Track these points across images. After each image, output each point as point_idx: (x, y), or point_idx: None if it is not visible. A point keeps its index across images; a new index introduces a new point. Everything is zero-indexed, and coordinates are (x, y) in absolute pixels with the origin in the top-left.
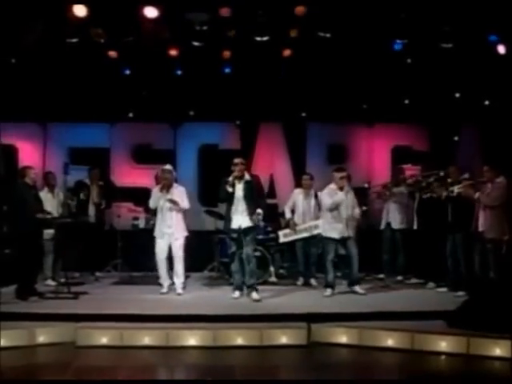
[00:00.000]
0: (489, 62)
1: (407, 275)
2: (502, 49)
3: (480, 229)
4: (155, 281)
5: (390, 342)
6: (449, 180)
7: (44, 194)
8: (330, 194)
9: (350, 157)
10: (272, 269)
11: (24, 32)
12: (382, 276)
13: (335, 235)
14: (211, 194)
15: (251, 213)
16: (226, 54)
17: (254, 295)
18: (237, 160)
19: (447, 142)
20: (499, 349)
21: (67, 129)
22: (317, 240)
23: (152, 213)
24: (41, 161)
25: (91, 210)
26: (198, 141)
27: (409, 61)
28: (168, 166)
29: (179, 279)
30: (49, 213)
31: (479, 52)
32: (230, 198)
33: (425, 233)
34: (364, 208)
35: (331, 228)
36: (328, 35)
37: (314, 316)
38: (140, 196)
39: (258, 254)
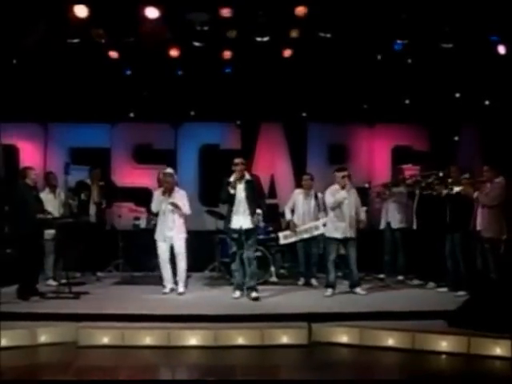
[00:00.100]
0: (489, 62)
1: (408, 275)
2: (502, 49)
3: (478, 228)
4: (156, 281)
5: (390, 342)
6: (449, 180)
7: (45, 195)
8: (333, 193)
9: (351, 157)
10: (273, 269)
11: (25, 32)
12: (382, 276)
13: (338, 235)
14: (212, 194)
15: (252, 213)
16: (227, 54)
17: (253, 294)
18: (237, 160)
19: (447, 142)
20: (499, 348)
21: (68, 129)
22: (318, 240)
23: (154, 214)
24: (42, 161)
25: (92, 210)
26: (199, 141)
27: (409, 61)
28: (169, 170)
29: (181, 277)
30: (49, 213)
31: (479, 52)
32: (231, 199)
33: (424, 233)
34: (365, 208)
35: (334, 228)
36: (328, 35)
37: (315, 316)
38: (141, 196)
39: (258, 254)
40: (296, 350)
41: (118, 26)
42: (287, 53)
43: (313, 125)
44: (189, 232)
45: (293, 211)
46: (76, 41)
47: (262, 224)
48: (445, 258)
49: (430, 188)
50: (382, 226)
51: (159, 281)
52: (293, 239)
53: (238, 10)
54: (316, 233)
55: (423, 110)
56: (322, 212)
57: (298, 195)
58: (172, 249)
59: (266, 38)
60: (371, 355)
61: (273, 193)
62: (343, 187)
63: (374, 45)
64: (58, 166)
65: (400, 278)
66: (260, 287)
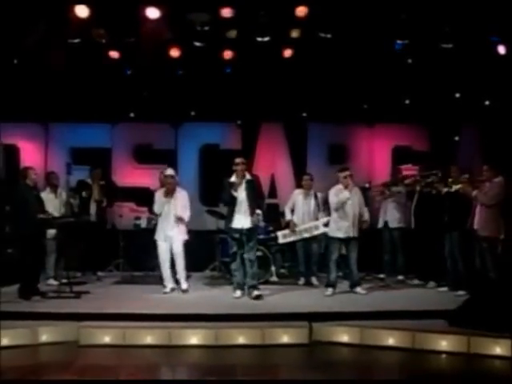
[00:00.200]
0: (489, 62)
1: (409, 275)
2: (502, 49)
3: (475, 227)
4: (157, 280)
5: (390, 341)
6: (450, 180)
7: (46, 195)
8: (336, 193)
9: (351, 157)
10: (273, 268)
11: (26, 32)
12: (382, 276)
13: (341, 235)
14: (212, 193)
15: (253, 213)
16: (227, 54)
17: (255, 292)
18: (238, 160)
19: (447, 142)
20: (499, 348)
21: (69, 129)
22: (318, 239)
23: (156, 214)
24: (42, 161)
25: (92, 209)
26: (199, 141)
27: (409, 61)
28: (170, 171)
29: (182, 275)
30: (50, 214)
31: (479, 52)
32: (233, 201)
33: (423, 232)
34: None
35: (337, 227)
36: (329, 36)
37: (316, 315)
38: (141, 196)
39: (259, 253)
40: (297, 350)
41: (118, 26)
42: (288, 53)
43: (313, 125)
44: (189, 232)
45: (292, 211)
46: (77, 41)
47: (262, 224)
48: (445, 258)
49: (429, 186)
50: (380, 225)
51: (160, 280)
52: (292, 238)
53: (238, 10)
54: (316, 232)
55: (423, 110)
56: (321, 212)
57: (298, 195)
58: (171, 248)
59: (266, 38)
60: (371, 354)
61: (273, 193)
62: (346, 187)
63: (374, 45)
64: (58, 166)
65: (400, 277)
66: (260, 287)
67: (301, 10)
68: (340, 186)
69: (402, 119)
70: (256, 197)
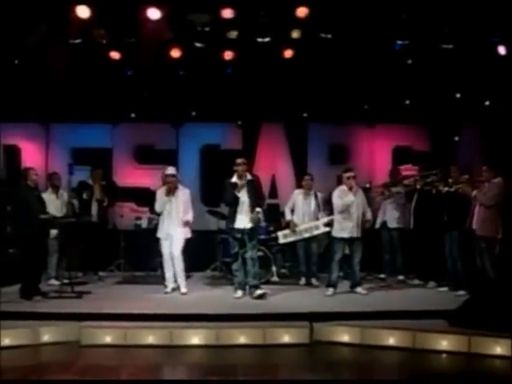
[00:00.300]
0: (489, 62)
1: (409, 275)
2: (502, 50)
3: (473, 226)
4: (158, 280)
5: (391, 341)
6: (450, 180)
7: (47, 195)
8: (341, 196)
9: (351, 157)
10: (274, 268)
11: (27, 33)
12: (383, 276)
13: (345, 235)
14: (213, 194)
15: (252, 212)
16: (228, 54)
17: (258, 291)
18: (239, 160)
19: (448, 142)
20: (500, 347)
21: (70, 129)
22: (319, 239)
23: (157, 213)
24: (43, 161)
25: (94, 209)
26: (200, 141)
27: (409, 61)
28: (170, 171)
29: (181, 278)
30: (51, 214)
31: (480, 53)
32: (236, 202)
33: (422, 232)
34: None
35: (341, 228)
36: (329, 36)
37: (316, 315)
38: (142, 196)
39: (260, 253)
40: (297, 349)
41: (119, 26)
42: (288, 53)
43: (313, 125)
44: (191, 232)
45: (293, 211)
46: (78, 41)
47: (263, 224)
48: (445, 258)
49: (429, 185)
50: (378, 225)
51: (161, 280)
52: (292, 238)
53: (239, 11)
54: (316, 232)
55: (423, 110)
56: (322, 212)
57: (298, 195)
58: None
59: (267, 39)
60: (372, 354)
61: (274, 193)
62: (350, 189)
63: (375, 45)
64: (59, 167)
65: (401, 277)
66: (261, 287)
67: (301, 11)
68: (343, 187)
69: (402, 119)
70: (256, 196)
